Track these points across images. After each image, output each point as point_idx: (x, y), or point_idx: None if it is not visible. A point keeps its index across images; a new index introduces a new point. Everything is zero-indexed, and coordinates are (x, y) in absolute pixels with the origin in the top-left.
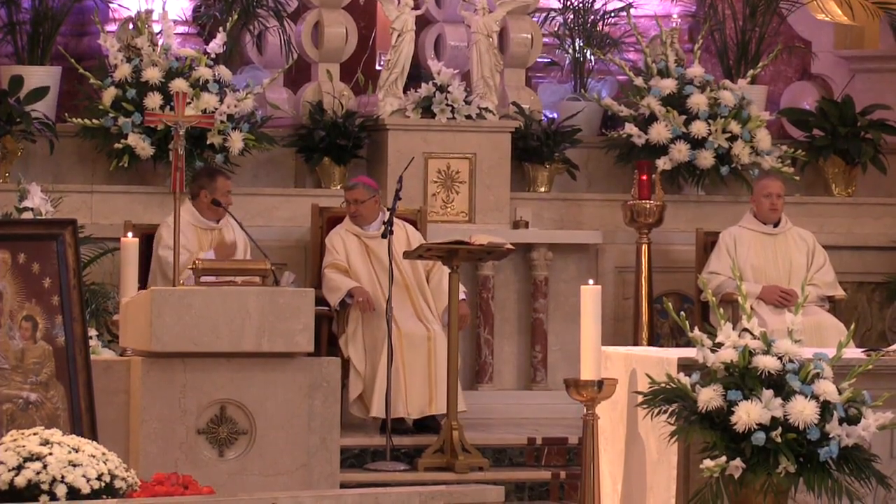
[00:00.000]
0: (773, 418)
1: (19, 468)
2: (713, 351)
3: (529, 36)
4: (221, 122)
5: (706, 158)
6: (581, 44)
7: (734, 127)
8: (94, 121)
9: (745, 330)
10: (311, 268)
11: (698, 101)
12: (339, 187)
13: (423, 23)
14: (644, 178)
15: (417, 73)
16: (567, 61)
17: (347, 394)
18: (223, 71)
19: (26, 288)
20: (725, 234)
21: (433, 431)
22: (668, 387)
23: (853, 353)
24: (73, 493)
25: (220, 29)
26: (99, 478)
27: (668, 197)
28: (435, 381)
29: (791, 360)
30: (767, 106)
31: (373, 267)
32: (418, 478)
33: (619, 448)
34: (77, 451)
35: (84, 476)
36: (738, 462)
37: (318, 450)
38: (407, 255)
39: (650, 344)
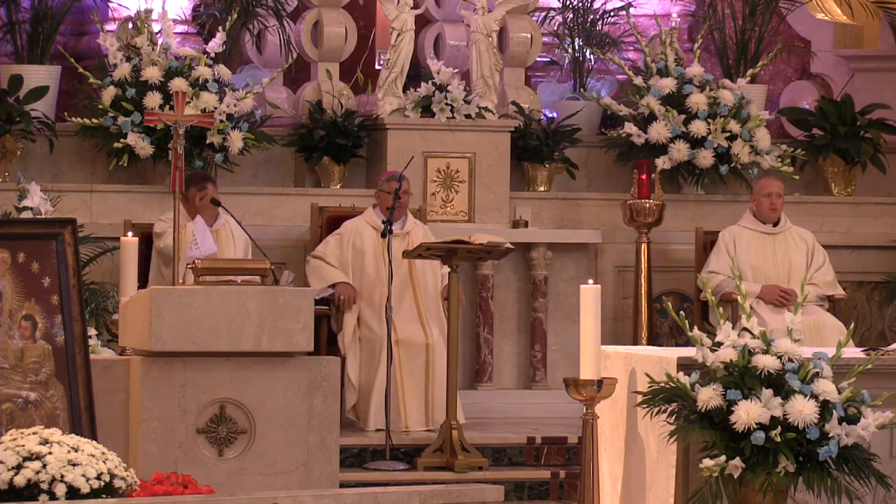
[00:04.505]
0: (773, 418)
1: (19, 467)
2: (713, 350)
3: (529, 35)
4: (221, 121)
5: (706, 158)
6: (580, 43)
7: (734, 126)
8: (94, 120)
9: (745, 329)
10: None
11: (698, 100)
12: (338, 186)
13: (422, 22)
14: (643, 177)
15: (417, 73)
16: (566, 61)
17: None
18: (223, 70)
19: (26, 287)
20: (725, 233)
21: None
22: (667, 386)
23: (852, 352)
24: (72, 492)
25: (220, 28)
26: (98, 477)
27: (667, 196)
28: (432, 395)
29: (790, 360)
30: (767, 105)
31: (384, 261)
32: (418, 477)
33: (618, 447)
34: (76, 451)
35: (83, 475)
36: (737, 461)
37: (317, 449)
38: (407, 254)
39: (650, 343)
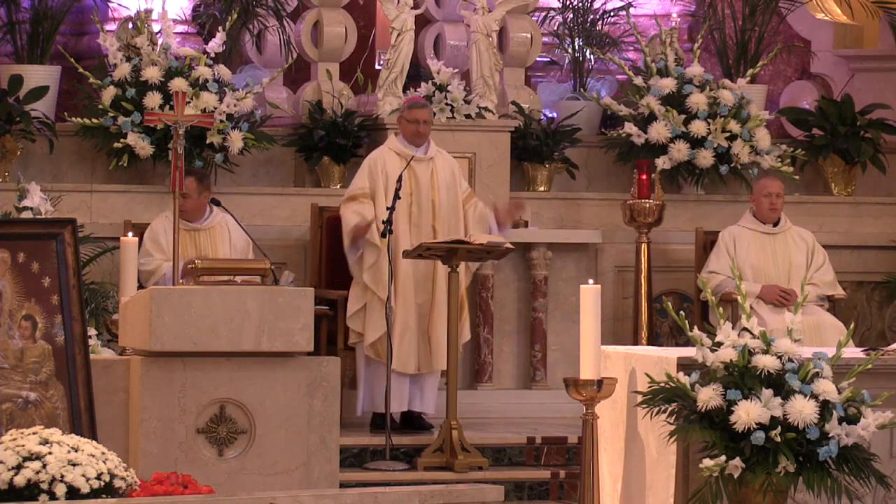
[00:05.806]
0: (773, 418)
1: (19, 467)
2: (713, 350)
3: (529, 35)
4: (221, 121)
5: (706, 158)
6: (580, 43)
7: (734, 126)
8: (94, 120)
9: (745, 329)
10: (310, 267)
11: (698, 100)
12: (338, 186)
13: (422, 22)
14: (643, 177)
15: (417, 73)
16: (566, 61)
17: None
18: (223, 70)
19: (26, 287)
20: (725, 233)
21: (419, 428)
22: (667, 386)
23: (852, 352)
24: (72, 492)
25: (220, 28)
26: (98, 477)
27: (667, 196)
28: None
29: (790, 360)
30: (767, 105)
31: (410, 190)
32: (418, 477)
33: (618, 447)
34: (76, 451)
35: (83, 475)
36: (737, 461)
37: (317, 449)
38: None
39: (649, 343)
